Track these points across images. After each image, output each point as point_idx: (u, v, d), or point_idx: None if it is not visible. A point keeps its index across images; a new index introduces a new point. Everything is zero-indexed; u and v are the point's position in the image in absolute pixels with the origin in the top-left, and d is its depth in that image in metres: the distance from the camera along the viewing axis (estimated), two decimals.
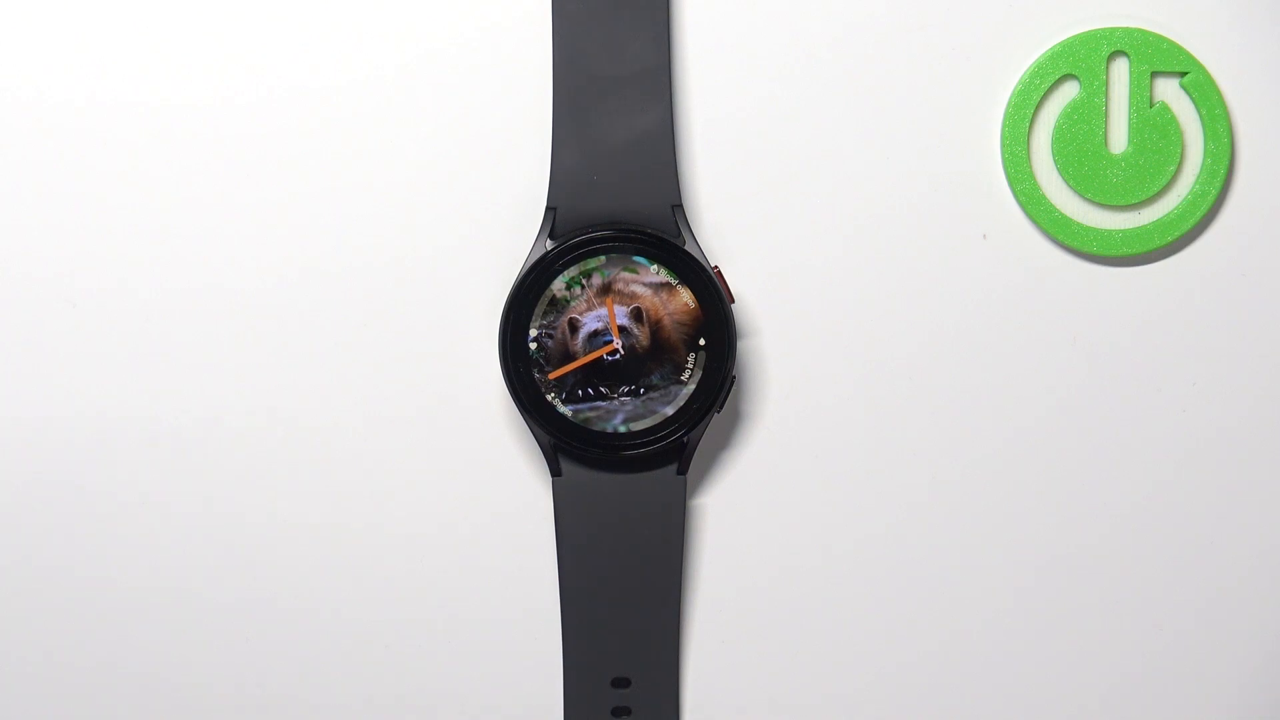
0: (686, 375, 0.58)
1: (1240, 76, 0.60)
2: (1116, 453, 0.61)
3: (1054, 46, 0.59)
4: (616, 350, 0.57)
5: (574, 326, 0.57)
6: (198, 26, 0.59)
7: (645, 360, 0.58)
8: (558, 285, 0.57)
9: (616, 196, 0.57)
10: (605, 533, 0.59)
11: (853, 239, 0.60)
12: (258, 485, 0.60)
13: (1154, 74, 0.59)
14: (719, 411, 0.58)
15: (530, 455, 0.60)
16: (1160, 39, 0.59)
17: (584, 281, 0.57)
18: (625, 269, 0.57)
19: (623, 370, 0.58)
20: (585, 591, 0.59)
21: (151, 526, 0.61)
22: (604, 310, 0.57)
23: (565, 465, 0.58)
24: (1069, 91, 0.60)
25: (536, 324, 0.57)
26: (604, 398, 0.58)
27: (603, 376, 0.58)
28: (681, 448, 0.58)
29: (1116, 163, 0.60)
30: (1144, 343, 0.61)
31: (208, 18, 0.59)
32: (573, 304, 0.57)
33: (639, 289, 0.57)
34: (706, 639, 0.62)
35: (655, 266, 0.57)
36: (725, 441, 0.61)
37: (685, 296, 0.57)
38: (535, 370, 0.57)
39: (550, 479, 0.59)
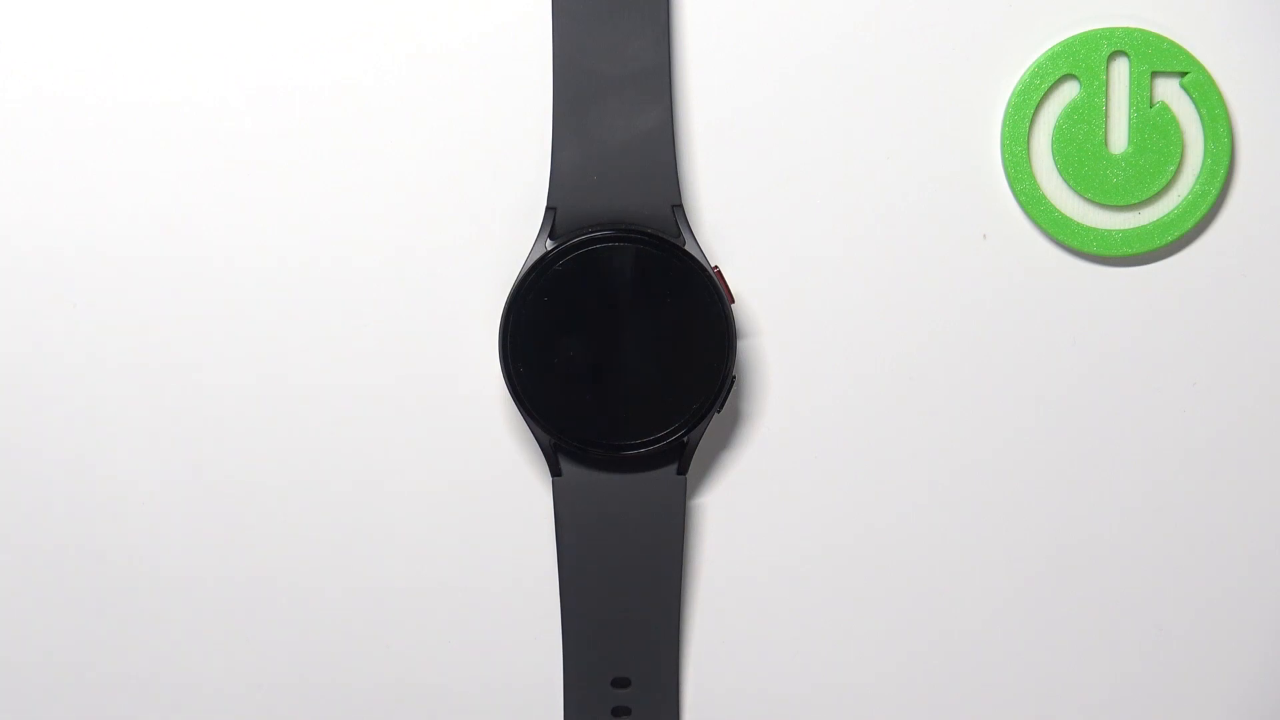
0: None
1: (1240, 76, 0.60)
2: (1116, 453, 0.61)
3: (1054, 46, 0.59)
4: None
5: None
6: (198, 27, 0.59)
7: None
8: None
9: (616, 196, 0.57)
10: (605, 533, 0.59)
11: (853, 239, 0.60)
12: (258, 486, 0.60)
13: (1154, 74, 0.59)
14: (719, 411, 0.58)
15: (530, 455, 0.60)
16: (1160, 39, 0.59)
17: None
18: None
19: None
20: (585, 591, 0.59)
21: (152, 527, 0.61)
22: None
23: (565, 465, 0.58)
24: (1069, 91, 0.60)
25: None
26: None
27: None
28: (681, 448, 0.58)
29: (1116, 163, 0.60)
30: (1144, 343, 0.61)
31: (208, 18, 0.59)
32: None
33: None
34: (706, 639, 0.62)
35: None
36: (725, 441, 0.61)
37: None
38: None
39: (550, 479, 0.59)
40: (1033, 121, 0.60)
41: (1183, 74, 0.59)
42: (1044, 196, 0.60)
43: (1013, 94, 0.60)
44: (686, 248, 0.57)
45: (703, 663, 0.62)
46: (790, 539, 0.61)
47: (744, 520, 0.61)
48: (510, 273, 0.58)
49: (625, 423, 0.57)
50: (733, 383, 0.58)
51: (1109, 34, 0.59)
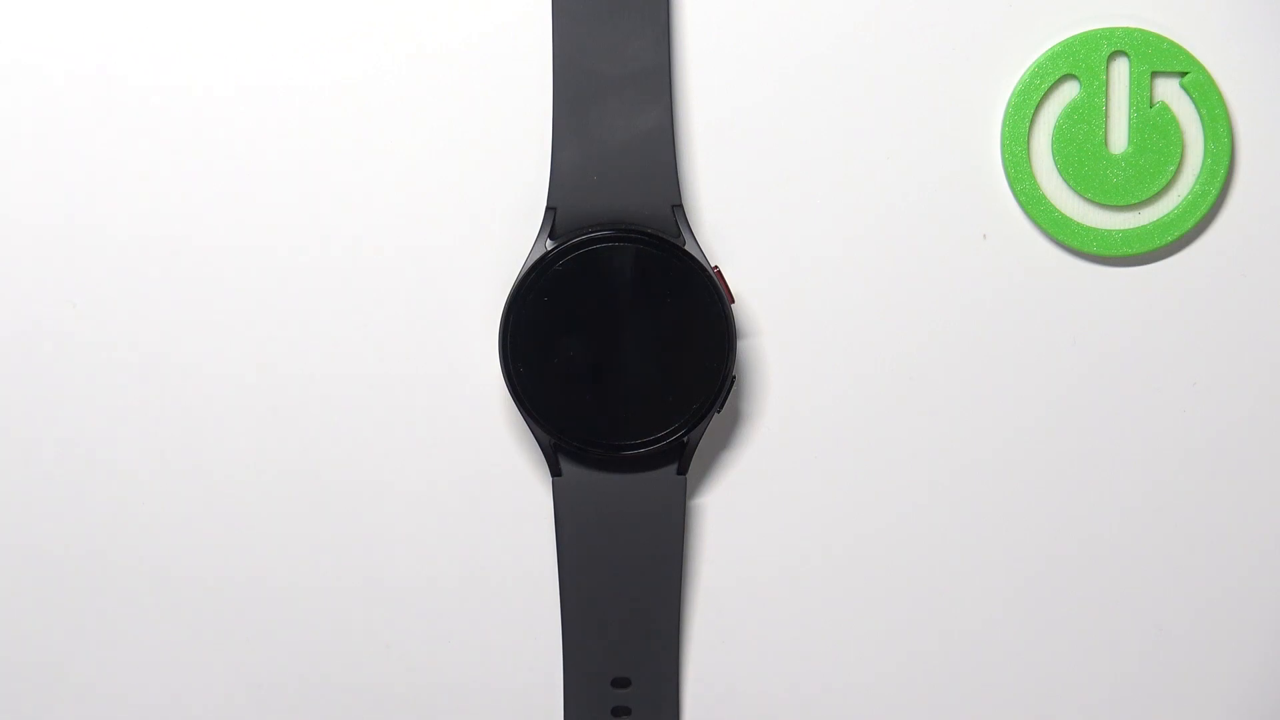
0: None
1: (1240, 76, 0.60)
2: (1116, 453, 0.61)
3: (1054, 46, 0.59)
4: None
5: None
6: (198, 27, 0.59)
7: None
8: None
9: (616, 196, 0.57)
10: (605, 533, 0.59)
11: (853, 239, 0.60)
12: (258, 485, 0.60)
13: (1154, 74, 0.59)
14: (719, 411, 0.58)
15: (530, 455, 0.60)
16: (1160, 39, 0.59)
17: None
18: None
19: None
20: (585, 591, 0.59)
21: (152, 527, 0.61)
22: None
23: (565, 465, 0.58)
24: (1069, 91, 0.60)
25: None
26: None
27: None
28: (681, 448, 0.58)
29: (1116, 163, 0.60)
30: (1144, 343, 0.61)
31: (208, 18, 0.59)
32: None
33: None
34: (706, 639, 0.62)
35: None
36: (725, 441, 0.61)
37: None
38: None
39: (550, 479, 0.59)
40: (1033, 121, 0.60)
41: (1183, 74, 0.59)
42: (1044, 196, 0.60)
43: (1013, 94, 0.60)
44: (686, 248, 0.57)
45: (703, 663, 0.62)
46: (790, 539, 0.61)
47: (744, 520, 0.61)
48: (510, 273, 0.58)
49: (625, 423, 0.57)
50: (733, 383, 0.58)
51: (1109, 34, 0.59)
